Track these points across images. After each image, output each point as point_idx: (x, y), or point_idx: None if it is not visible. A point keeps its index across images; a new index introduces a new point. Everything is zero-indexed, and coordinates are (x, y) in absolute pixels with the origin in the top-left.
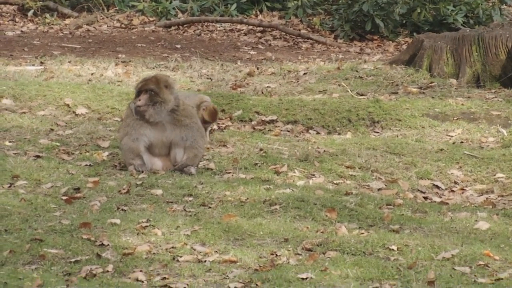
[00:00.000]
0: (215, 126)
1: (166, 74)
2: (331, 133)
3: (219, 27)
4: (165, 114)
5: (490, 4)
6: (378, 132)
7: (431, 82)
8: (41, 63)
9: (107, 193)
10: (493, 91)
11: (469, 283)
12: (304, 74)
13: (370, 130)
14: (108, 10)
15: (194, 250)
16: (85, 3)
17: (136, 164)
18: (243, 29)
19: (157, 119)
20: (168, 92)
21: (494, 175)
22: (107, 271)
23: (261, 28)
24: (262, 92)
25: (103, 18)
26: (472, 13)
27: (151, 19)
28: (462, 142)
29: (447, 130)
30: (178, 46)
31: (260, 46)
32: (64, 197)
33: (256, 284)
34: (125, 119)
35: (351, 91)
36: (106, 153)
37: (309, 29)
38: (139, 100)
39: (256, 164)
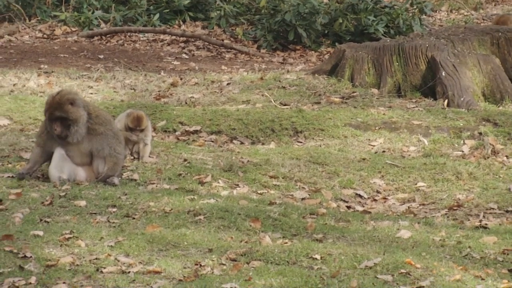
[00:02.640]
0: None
1: (67, 90)
2: (254, 143)
3: (142, 37)
4: (85, 129)
5: (410, 15)
6: (301, 142)
7: (353, 92)
8: None
9: (30, 204)
10: (414, 100)
11: None
12: (228, 84)
13: (293, 140)
14: (29, 20)
15: (118, 261)
16: (6, 14)
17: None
18: (166, 39)
19: (79, 138)
20: (75, 108)
21: (416, 184)
22: (30, 283)
23: (184, 38)
24: (186, 103)
25: (24, 29)
26: (392, 23)
27: (73, 29)
28: (384, 151)
29: (369, 139)
30: (101, 56)
31: (183, 56)
32: None
33: None
34: (40, 130)
35: (274, 101)
36: None
37: (232, 39)
38: (55, 129)
39: (180, 174)
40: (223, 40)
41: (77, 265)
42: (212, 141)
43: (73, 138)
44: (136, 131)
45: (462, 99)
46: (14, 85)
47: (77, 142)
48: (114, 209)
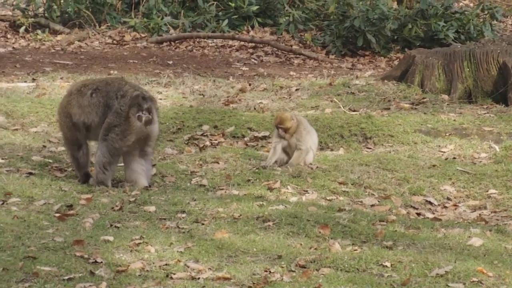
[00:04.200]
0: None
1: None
2: (323, 149)
3: (211, 43)
4: None
5: (481, 20)
6: (370, 148)
7: (423, 98)
8: (33, 79)
9: (100, 210)
10: (485, 106)
11: None
12: (296, 90)
13: (362, 146)
14: (99, 27)
15: (188, 267)
16: (76, 20)
17: None
18: (234, 45)
19: None
20: None
21: (487, 191)
22: None
23: (253, 44)
24: (255, 108)
25: (94, 34)
26: (463, 28)
27: (142, 35)
28: (454, 158)
29: (439, 146)
30: (170, 62)
31: (252, 62)
32: (57, 214)
33: None
34: None
35: (343, 107)
36: None
37: (300, 44)
38: None
39: (249, 180)
40: (291, 46)
41: (147, 270)
42: None
43: None
44: (279, 129)
45: None
46: None
47: None
48: (183, 215)
